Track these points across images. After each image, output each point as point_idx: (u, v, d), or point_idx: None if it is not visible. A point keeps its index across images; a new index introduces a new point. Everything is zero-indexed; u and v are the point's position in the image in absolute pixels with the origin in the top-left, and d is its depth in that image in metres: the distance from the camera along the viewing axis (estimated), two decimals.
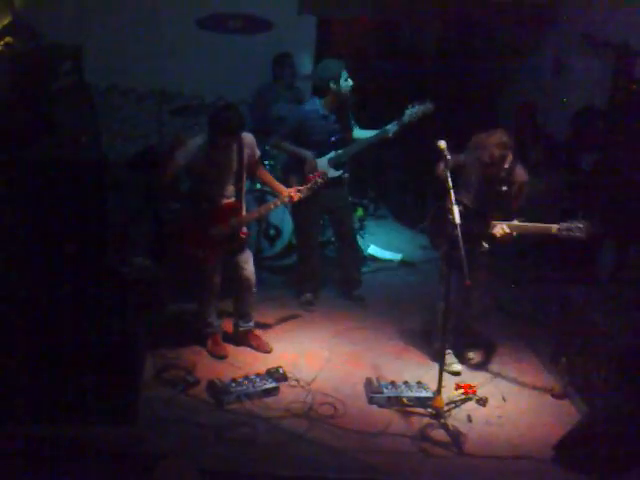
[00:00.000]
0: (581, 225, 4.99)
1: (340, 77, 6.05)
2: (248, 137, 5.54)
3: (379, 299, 6.86)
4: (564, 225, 5.02)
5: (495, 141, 5.12)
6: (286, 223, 7.18)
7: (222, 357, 5.66)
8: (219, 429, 4.82)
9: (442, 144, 4.96)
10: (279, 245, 7.29)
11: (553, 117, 8.16)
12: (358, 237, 7.42)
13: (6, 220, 4.97)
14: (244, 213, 5.61)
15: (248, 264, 5.67)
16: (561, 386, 5.49)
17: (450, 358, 5.63)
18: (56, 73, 6.45)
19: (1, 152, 5.15)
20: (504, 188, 5.25)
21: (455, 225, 4.77)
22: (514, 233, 5.18)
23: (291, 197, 5.58)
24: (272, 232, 7.19)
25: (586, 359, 5.36)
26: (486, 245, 5.31)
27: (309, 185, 5.61)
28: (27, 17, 7.23)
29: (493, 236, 5.21)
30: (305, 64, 8.24)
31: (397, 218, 8.95)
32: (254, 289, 5.77)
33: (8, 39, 6.57)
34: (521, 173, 5.32)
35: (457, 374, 5.61)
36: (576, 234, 5.00)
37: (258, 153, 5.65)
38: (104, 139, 7.25)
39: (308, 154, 6.17)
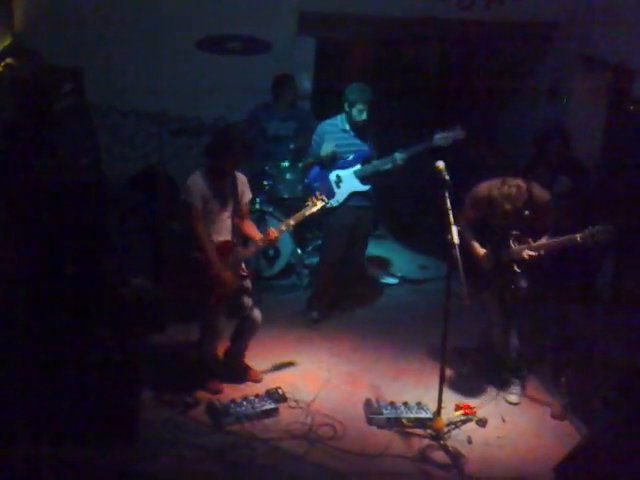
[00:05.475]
0: (602, 228, 5.00)
1: (353, 106, 6.15)
2: (242, 176, 5.46)
3: (379, 320, 6.87)
4: (586, 232, 5.04)
5: (503, 195, 5.17)
6: (285, 244, 7.20)
7: (216, 392, 5.46)
8: (218, 451, 4.81)
9: (440, 165, 4.97)
10: (278, 265, 7.31)
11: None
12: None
13: (6, 240, 4.98)
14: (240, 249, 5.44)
15: (254, 304, 5.50)
16: (561, 407, 5.48)
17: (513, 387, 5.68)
18: (57, 94, 6.48)
19: (1, 173, 5.17)
20: (526, 212, 5.26)
21: (453, 245, 4.78)
22: (541, 252, 5.25)
23: (268, 240, 5.37)
24: (271, 252, 7.21)
25: (586, 380, 5.35)
26: (517, 269, 5.36)
27: (305, 210, 5.46)
28: (28, 38, 7.27)
29: (522, 260, 5.29)
30: (304, 85, 8.27)
31: (396, 238, 8.95)
32: (258, 328, 5.59)
33: (9, 60, 6.60)
34: (540, 194, 5.33)
35: (513, 404, 5.62)
36: (601, 237, 5.00)
37: (249, 196, 5.51)
38: (104, 159, 7.26)
39: (325, 147, 6.34)
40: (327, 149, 6.34)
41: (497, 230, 5.41)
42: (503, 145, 8.94)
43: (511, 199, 5.15)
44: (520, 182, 5.23)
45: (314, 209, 5.48)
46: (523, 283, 5.49)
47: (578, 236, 5.06)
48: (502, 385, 5.72)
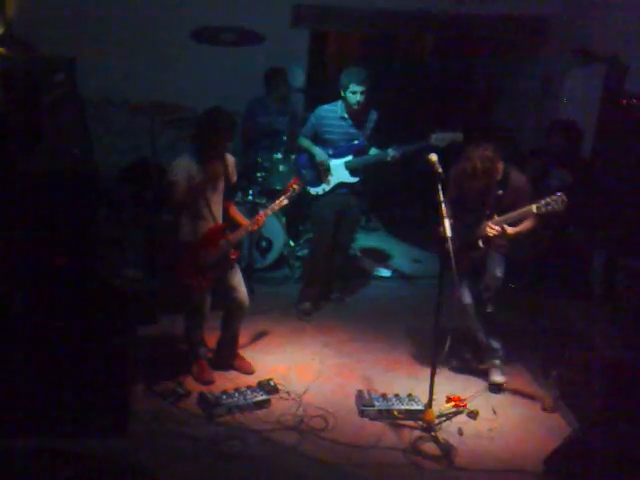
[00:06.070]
0: (556, 197, 4.99)
1: (348, 88, 6.09)
2: (231, 157, 5.44)
3: (371, 312, 6.87)
4: (542, 202, 5.03)
5: (478, 154, 5.18)
6: (278, 235, 7.21)
7: (208, 382, 5.45)
8: (209, 442, 4.81)
9: (433, 157, 4.95)
10: (270, 257, 7.31)
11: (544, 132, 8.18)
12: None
13: None
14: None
15: (241, 286, 5.48)
16: (552, 399, 5.49)
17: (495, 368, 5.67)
18: (49, 85, 6.46)
19: None
20: (500, 192, 5.28)
21: (446, 238, 4.78)
22: (507, 229, 5.21)
23: (257, 224, 5.42)
24: (264, 244, 7.21)
25: (577, 372, 5.36)
26: (482, 245, 5.37)
27: (284, 196, 5.45)
28: (20, 28, 7.25)
29: (486, 236, 5.28)
30: (297, 77, 8.25)
31: (389, 231, 8.95)
32: (246, 310, 5.60)
33: (1, 50, 6.59)
34: (517, 178, 5.34)
35: (499, 384, 5.62)
36: (555, 207, 4.99)
37: (235, 178, 5.52)
38: (96, 151, 7.24)
39: (320, 154, 6.30)
40: (321, 156, 6.31)
41: (471, 207, 5.39)
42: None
43: (485, 159, 5.13)
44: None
45: (292, 194, 5.44)
46: (498, 272, 5.50)
47: (534, 206, 5.05)
48: (487, 371, 5.72)
